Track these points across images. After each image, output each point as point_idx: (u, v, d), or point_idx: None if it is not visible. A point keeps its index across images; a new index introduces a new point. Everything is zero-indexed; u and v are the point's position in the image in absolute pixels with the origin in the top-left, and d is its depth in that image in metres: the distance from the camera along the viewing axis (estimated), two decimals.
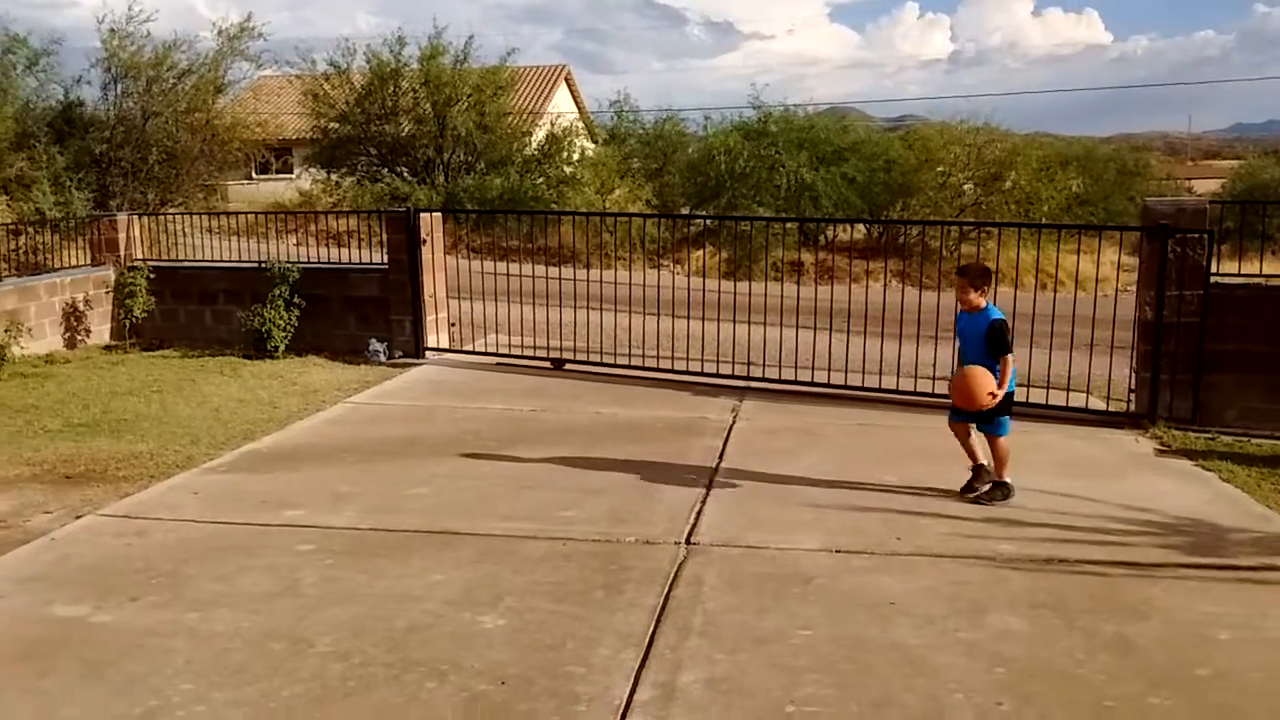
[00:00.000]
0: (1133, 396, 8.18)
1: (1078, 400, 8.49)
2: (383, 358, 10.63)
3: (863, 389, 8.76)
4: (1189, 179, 43.28)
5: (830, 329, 9.09)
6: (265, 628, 4.30)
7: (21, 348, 10.22)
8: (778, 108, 26.50)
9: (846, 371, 8.82)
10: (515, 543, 5.28)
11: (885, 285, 17.87)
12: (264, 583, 4.79)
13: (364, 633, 4.24)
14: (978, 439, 6.14)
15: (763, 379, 9.17)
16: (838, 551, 5.17)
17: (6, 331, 10.06)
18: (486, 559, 5.07)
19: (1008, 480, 6.06)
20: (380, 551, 5.19)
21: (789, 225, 20.48)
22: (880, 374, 8.77)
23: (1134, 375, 8.22)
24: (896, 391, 8.64)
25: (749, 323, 9.40)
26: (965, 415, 6.09)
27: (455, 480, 6.41)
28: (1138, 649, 4.16)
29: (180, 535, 5.44)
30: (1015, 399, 6.23)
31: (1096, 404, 8.48)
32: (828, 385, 8.88)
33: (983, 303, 6.00)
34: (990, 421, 6.02)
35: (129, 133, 19.27)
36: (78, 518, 5.75)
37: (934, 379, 8.63)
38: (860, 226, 24.15)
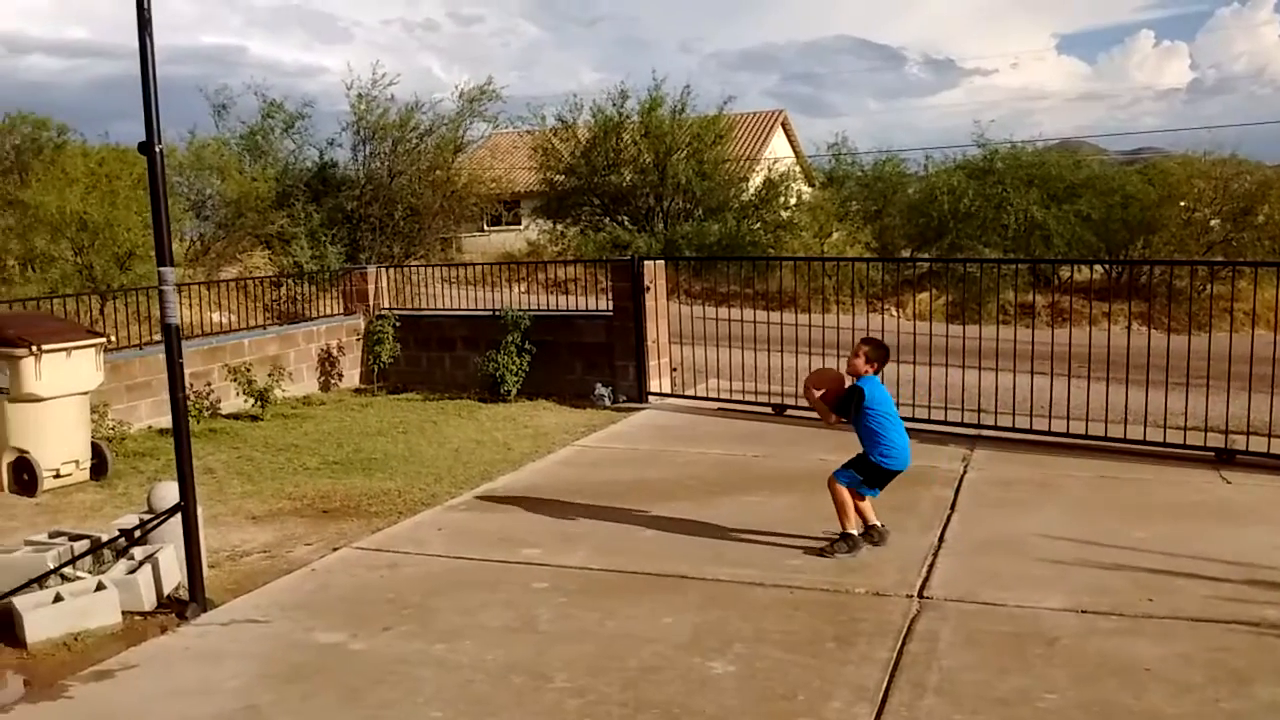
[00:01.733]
0: None
1: None
2: (608, 402, 10.92)
3: (1105, 439, 8.29)
4: None
5: (1068, 374, 8.68)
6: (506, 661, 4.48)
7: (283, 390, 11.11)
8: (1003, 144, 25.69)
9: (1087, 420, 8.39)
10: (742, 589, 5.29)
11: (1129, 328, 16.88)
12: (503, 617, 5.00)
13: (598, 671, 4.35)
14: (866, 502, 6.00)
15: (994, 427, 8.84)
16: (1083, 612, 4.90)
17: (270, 376, 10.96)
18: (714, 604, 5.10)
19: (852, 531, 5.83)
20: (611, 592, 5.32)
21: (1019, 266, 19.73)
22: (1125, 423, 8.28)
23: None
24: (1143, 442, 8.13)
25: (979, 368, 9.10)
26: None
27: (681, 524, 6.49)
28: None
29: (426, 569, 5.75)
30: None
31: None
32: (1065, 434, 8.48)
33: (865, 372, 5.94)
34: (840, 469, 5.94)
35: (377, 190, 20.72)
36: (335, 550, 6.18)
37: (1185, 429, 8.07)
38: (1097, 267, 22.94)
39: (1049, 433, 8.56)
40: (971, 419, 9.00)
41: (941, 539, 6.06)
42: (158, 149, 4.94)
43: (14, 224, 15.15)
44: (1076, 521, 6.38)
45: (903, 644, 4.55)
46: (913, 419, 9.16)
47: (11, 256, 15.34)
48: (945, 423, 9.04)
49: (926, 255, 24.02)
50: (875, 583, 5.32)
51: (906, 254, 25.40)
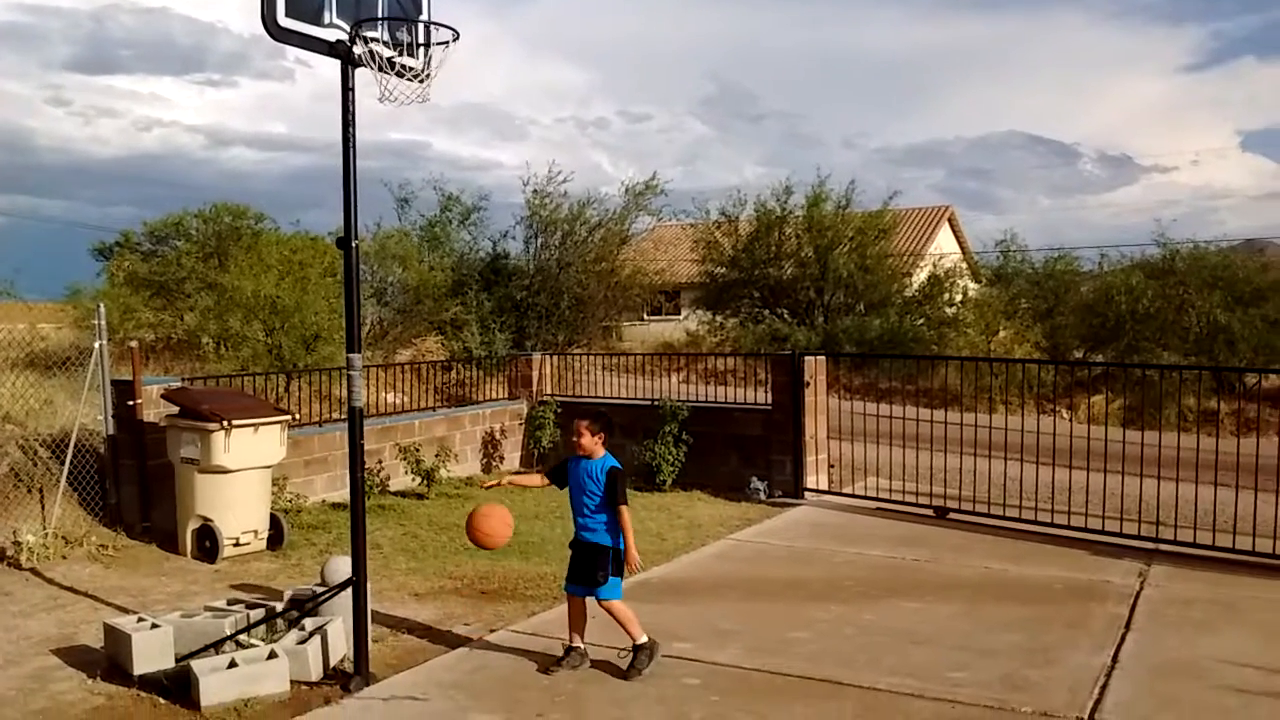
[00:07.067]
0: None
1: None
2: (763, 496, 10.84)
3: None
4: None
5: (1254, 487, 8.14)
6: None
7: (448, 470, 11.47)
8: (1185, 244, 24.64)
9: (1275, 538, 7.85)
10: (900, 700, 5.13)
11: None
12: (655, 712, 4.98)
13: None
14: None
15: (1174, 541, 8.36)
16: None
17: (437, 456, 11.35)
18: (870, 714, 4.96)
19: (645, 639, 5.47)
20: (764, 694, 5.24)
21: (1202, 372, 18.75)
22: None
23: None
24: None
25: (1157, 478, 8.64)
26: (581, 588, 5.57)
27: (837, 627, 6.36)
28: None
29: None
30: None
31: None
32: (1252, 553, 7.93)
33: (600, 450, 5.61)
34: (603, 585, 5.48)
35: (545, 280, 21.44)
36: (492, 631, 6.31)
37: None
38: None
39: (1234, 550, 8.03)
40: (1149, 531, 8.54)
41: (1115, 659, 5.74)
42: (354, 244, 5.30)
43: (212, 305, 16.28)
44: (1264, 647, 5.95)
45: None
46: (1085, 529, 8.79)
47: (208, 335, 16.45)
48: (1120, 535, 8.60)
49: (1101, 357, 23.10)
50: (1042, 702, 5.07)
51: (1079, 354, 24.48)
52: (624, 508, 5.55)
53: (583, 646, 5.64)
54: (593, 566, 5.53)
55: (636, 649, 5.51)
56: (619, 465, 5.70)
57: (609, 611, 5.55)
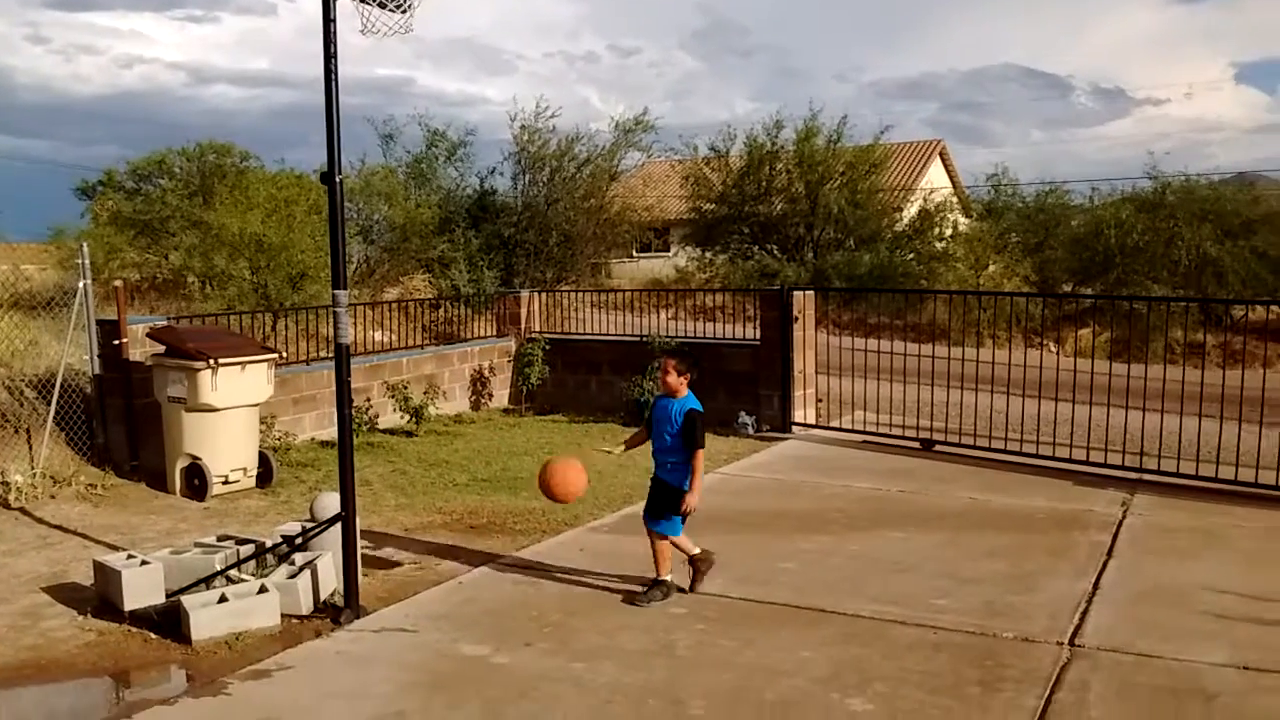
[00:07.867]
0: None
1: None
2: (751, 430, 10.90)
3: (1276, 488, 7.82)
4: None
5: (1238, 419, 8.21)
6: (644, 684, 4.52)
7: (436, 408, 11.49)
8: (1176, 177, 24.50)
9: (1257, 468, 7.93)
10: (883, 626, 5.20)
11: None
12: (641, 641, 5.05)
13: (735, 701, 4.35)
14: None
15: (1157, 471, 8.44)
16: (1246, 669, 4.64)
17: (425, 393, 11.36)
18: (854, 640, 5.03)
19: (669, 577, 5.65)
20: (749, 621, 5.31)
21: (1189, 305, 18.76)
22: None
23: None
24: None
25: (1143, 409, 8.70)
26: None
27: (822, 557, 6.43)
28: None
29: (568, 588, 5.85)
30: None
31: None
32: (1234, 482, 8.02)
33: (684, 390, 5.60)
34: (664, 519, 5.58)
35: (533, 217, 21.21)
36: (481, 565, 6.36)
37: None
38: (1274, 306, 21.59)
39: (1216, 479, 8.12)
40: (1133, 462, 8.62)
41: (1096, 585, 5.83)
42: (338, 179, 5.23)
43: (197, 243, 16.12)
44: (1244, 574, 6.04)
45: (1051, 692, 4.40)
46: (1070, 460, 8.86)
47: (193, 274, 16.32)
48: (1104, 465, 8.69)
49: (1090, 290, 23.11)
50: (1023, 628, 5.15)
51: (1068, 288, 24.49)
52: (699, 451, 5.54)
53: (670, 579, 5.68)
54: (665, 504, 5.60)
55: (656, 582, 5.62)
56: (700, 408, 5.66)
57: (652, 543, 5.65)
